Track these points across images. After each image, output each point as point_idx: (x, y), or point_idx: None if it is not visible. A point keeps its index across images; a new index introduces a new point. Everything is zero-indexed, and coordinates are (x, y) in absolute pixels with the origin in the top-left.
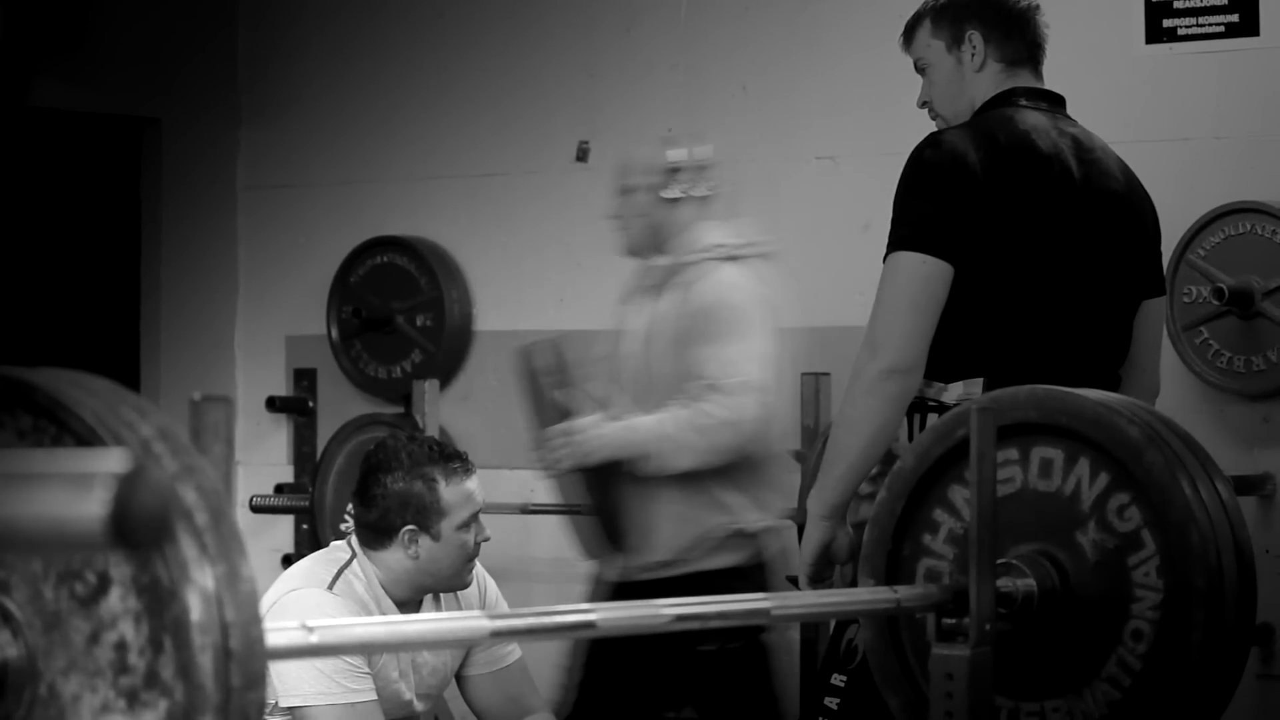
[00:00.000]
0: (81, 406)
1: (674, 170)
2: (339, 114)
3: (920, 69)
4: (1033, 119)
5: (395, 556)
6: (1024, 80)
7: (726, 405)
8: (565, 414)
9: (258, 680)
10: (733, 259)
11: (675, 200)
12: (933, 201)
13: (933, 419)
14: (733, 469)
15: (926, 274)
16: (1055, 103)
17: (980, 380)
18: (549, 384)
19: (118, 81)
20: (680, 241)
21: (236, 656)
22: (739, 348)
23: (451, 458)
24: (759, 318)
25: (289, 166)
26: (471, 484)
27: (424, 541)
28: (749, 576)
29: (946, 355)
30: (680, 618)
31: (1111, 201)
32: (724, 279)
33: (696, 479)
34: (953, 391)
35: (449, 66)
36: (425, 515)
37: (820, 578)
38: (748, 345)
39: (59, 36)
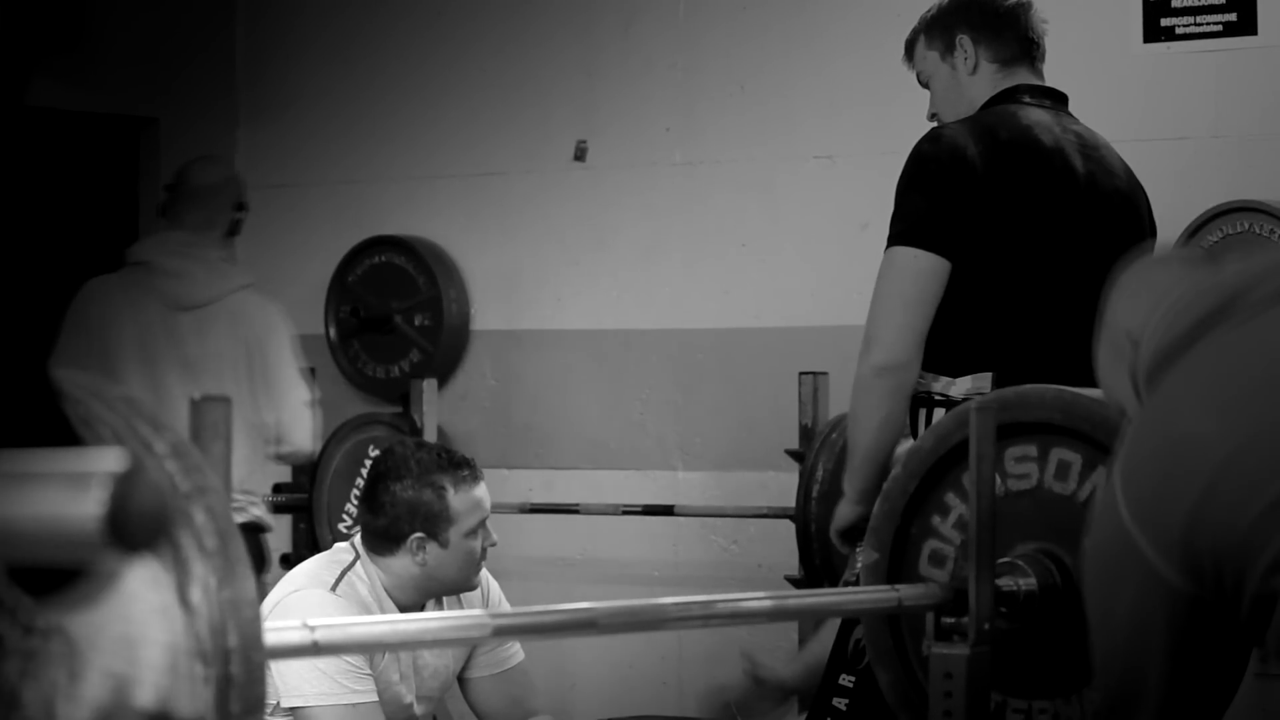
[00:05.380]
0: (100, 422)
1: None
2: (337, 114)
3: (923, 83)
4: (1036, 115)
5: (402, 563)
6: (1022, 78)
7: None
8: None
9: (257, 706)
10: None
11: None
12: (928, 196)
13: (939, 414)
14: None
15: (919, 269)
16: (1058, 100)
17: (989, 375)
18: None
19: (116, 81)
20: None
21: (237, 683)
22: None
23: (460, 465)
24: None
25: (287, 166)
26: (480, 491)
27: (432, 549)
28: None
29: (953, 349)
30: (682, 616)
31: (1115, 199)
32: None
33: None
34: (960, 385)
35: (447, 66)
36: (434, 523)
37: (849, 541)
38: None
39: (57, 35)
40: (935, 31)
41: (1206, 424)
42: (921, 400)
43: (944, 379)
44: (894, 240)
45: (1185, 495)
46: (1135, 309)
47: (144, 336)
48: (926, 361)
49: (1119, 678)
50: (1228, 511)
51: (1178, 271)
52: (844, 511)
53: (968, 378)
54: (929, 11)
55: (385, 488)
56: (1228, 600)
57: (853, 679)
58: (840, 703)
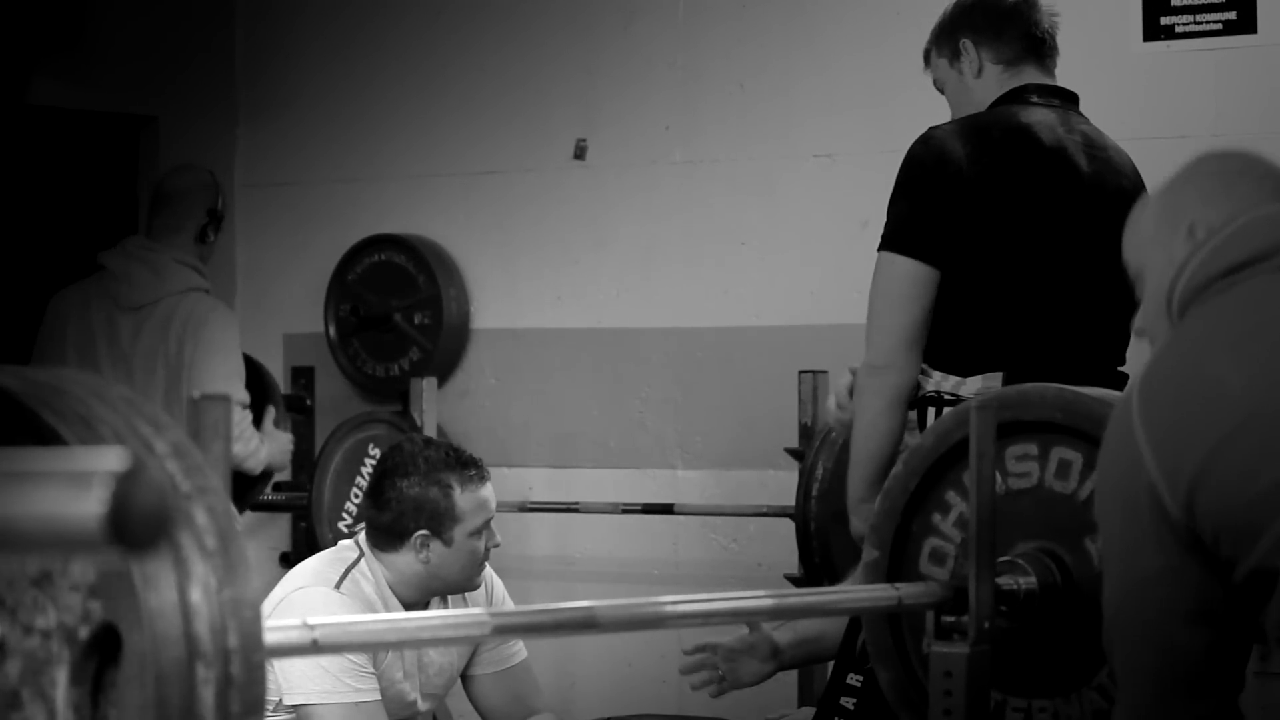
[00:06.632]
0: (101, 422)
1: None
2: (337, 112)
3: (940, 89)
4: (1039, 115)
5: (406, 560)
6: (1029, 77)
7: None
8: None
9: (257, 706)
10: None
11: None
12: (912, 202)
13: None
14: None
15: (900, 274)
16: (1068, 99)
17: (999, 375)
18: None
19: (115, 79)
20: None
21: (237, 683)
22: None
23: (468, 465)
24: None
25: (287, 164)
26: (486, 491)
27: (436, 547)
28: None
29: (963, 349)
30: (682, 615)
31: (1122, 199)
32: None
33: None
34: (970, 385)
35: (447, 65)
36: (439, 521)
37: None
38: None
39: (56, 34)
40: (942, 39)
41: (1234, 374)
42: (932, 400)
43: (954, 379)
44: (881, 244)
45: (1201, 440)
46: (1208, 201)
47: (87, 336)
48: (938, 362)
49: (1109, 598)
50: (1237, 476)
51: (1265, 188)
52: (851, 523)
53: (978, 377)
54: (939, 19)
55: (391, 484)
56: (1221, 564)
57: (860, 678)
58: (848, 702)
